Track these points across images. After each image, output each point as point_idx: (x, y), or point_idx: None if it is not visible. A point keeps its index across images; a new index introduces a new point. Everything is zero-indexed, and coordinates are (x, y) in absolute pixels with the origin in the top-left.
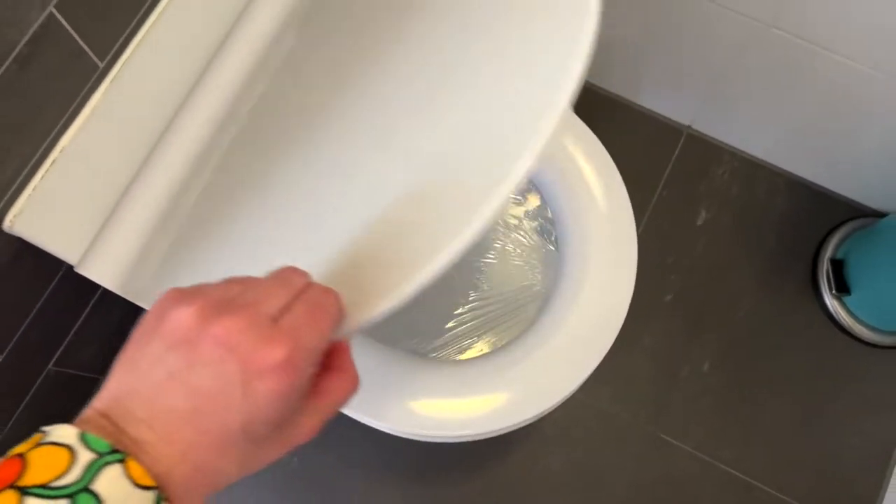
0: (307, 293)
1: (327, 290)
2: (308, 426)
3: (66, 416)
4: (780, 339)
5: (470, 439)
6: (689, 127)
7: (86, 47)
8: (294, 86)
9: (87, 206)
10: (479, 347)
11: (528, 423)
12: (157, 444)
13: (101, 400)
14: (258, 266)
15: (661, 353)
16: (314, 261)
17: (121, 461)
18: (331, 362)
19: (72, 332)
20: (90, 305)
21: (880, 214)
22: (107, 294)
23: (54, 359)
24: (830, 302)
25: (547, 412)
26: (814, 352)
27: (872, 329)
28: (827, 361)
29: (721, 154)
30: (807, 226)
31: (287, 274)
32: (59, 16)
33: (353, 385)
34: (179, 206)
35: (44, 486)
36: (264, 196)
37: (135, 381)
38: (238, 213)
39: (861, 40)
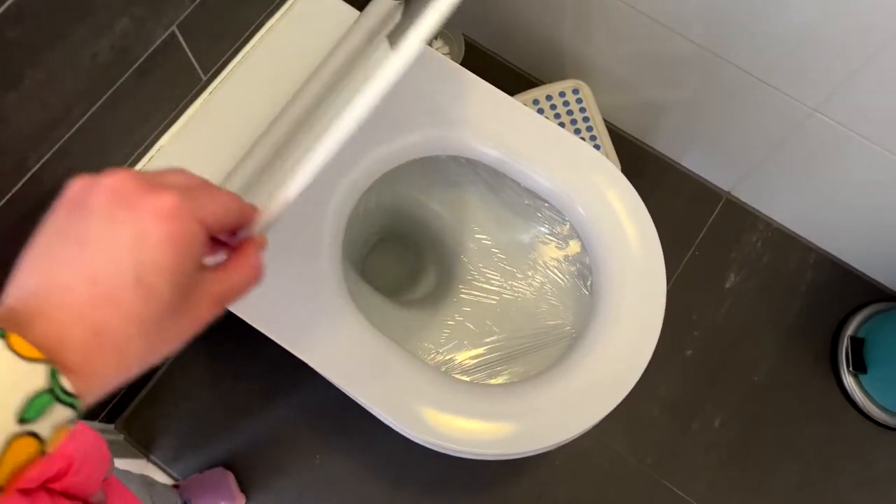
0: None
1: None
2: (207, 303)
3: None
4: (792, 407)
5: (480, 457)
6: (728, 193)
7: (195, 62)
8: None
9: None
10: (506, 377)
11: (536, 452)
12: (49, 310)
13: (5, 294)
14: None
15: (675, 403)
16: None
17: (1, 336)
18: (240, 250)
19: None
20: None
21: None
22: None
23: None
24: (846, 378)
25: (555, 446)
26: (824, 424)
27: (885, 410)
28: (836, 436)
29: (756, 222)
30: (831, 301)
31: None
32: (179, 35)
33: (255, 273)
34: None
35: None
36: None
37: (31, 257)
38: None
39: None
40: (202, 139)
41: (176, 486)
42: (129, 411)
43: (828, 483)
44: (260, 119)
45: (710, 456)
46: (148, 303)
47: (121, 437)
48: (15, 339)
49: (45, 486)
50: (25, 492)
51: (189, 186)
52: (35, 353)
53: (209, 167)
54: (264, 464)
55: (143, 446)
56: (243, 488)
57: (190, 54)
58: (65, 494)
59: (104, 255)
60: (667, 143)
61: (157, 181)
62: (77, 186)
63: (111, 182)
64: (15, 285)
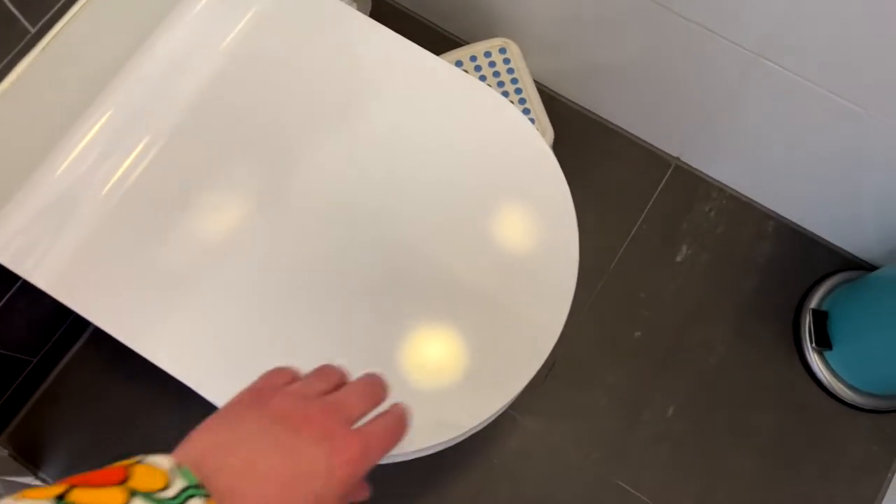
0: (390, 413)
1: (403, 419)
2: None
3: None
4: (752, 391)
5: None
6: (677, 159)
7: (16, 12)
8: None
9: None
10: None
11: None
12: (248, 496)
13: (194, 448)
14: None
15: (623, 392)
16: None
17: (206, 496)
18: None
19: None
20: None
21: (872, 268)
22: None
23: None
24: (810, 356)
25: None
26: (787, 408)
27: (852, 388)
28: (801, 419)
29: (709, 190)
30: (793, 273)
31: (371, 387)
32: None
33: (367, 495)
34: (99, 201)
35: (147, 494)
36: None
37: (235, 441)
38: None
39: (864, 82)
40: (35, 102)
41: None
42: (15, 424)
43: (792, 471)
44: (103, 75)
45: (663, 448)
46: None
47: (5, 452)
48: None
49: None
50: None
51: (374, 432)
52: None
53: (42, 134)
54: None
55: (30, 462)
56: None
57: (9, 2)
58: None
59: (301, 470)
60: (610, 108)
61: (348, 414)
62: (289, 405)
63: (320, 425)
64: (215, 449)
